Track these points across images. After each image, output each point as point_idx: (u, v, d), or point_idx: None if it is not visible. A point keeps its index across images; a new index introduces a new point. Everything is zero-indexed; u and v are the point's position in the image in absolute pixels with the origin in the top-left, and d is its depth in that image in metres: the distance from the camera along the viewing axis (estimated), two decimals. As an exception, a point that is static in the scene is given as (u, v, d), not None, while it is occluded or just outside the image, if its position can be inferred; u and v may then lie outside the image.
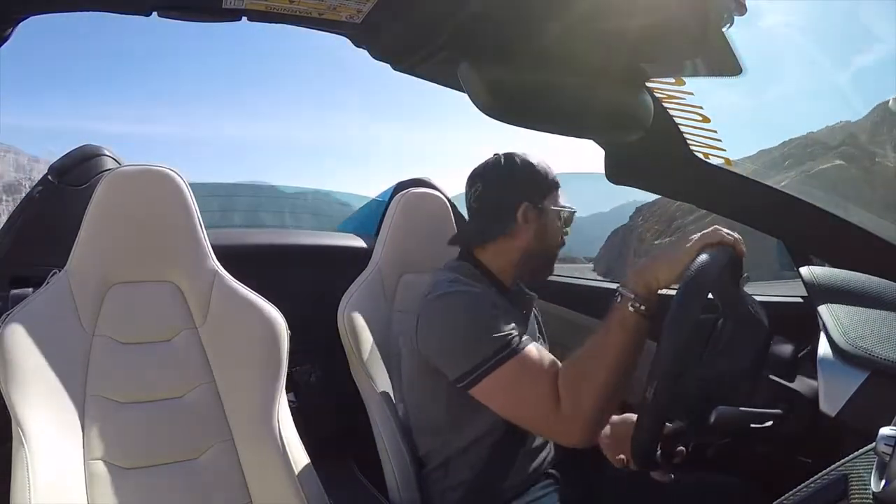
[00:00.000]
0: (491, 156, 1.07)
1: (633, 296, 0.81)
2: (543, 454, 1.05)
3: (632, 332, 0.81)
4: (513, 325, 0.90)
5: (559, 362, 0.89)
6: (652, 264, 0.82)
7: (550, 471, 1.05)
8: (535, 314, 1.15)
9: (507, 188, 1.03)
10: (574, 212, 1.05)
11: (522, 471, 1.00)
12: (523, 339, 0.89)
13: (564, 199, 1.06)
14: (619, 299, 0.82)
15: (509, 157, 1.05)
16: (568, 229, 1.05)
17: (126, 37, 29.92)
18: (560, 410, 0.84)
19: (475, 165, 1.07)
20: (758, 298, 0.90)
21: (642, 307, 0.80)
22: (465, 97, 0.73)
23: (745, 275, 0.92)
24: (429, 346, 0.95)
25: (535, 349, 0.89)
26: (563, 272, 1.48)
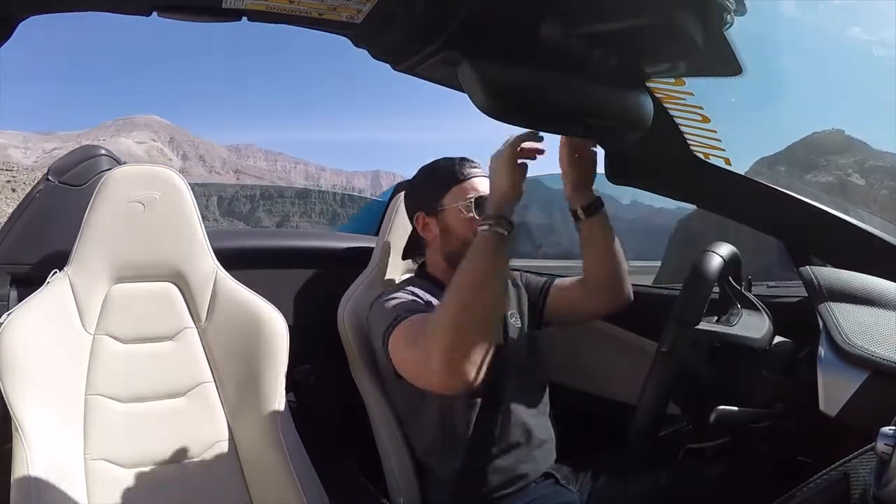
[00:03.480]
0: None
1: (481, 219, 0.87)
2: (539, 453, 1.05)
3: (487, 250, 0.84)
4: (418, 308, 0.96)
5: None
6: (495, 184, 0.89)
7: (551, 471, 1.05)
8: (518, 294, 1.17)
9: (408, 205, 1.14)
10: (481, 195, 1.04)
11: (511, 469, 1.01)
12: (416, 312, 0.94)
13: (483, 182, 1.06)
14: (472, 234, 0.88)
15: (418, 171, 1.14)
16: (477, 212, 1.04)
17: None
18: (416, 345, 0.87)
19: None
20: (758, 298, 0.90)
21: (496, 218, 0.85)
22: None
23: (749, 277, 0.93)
24: (372, 333, 1.02)
25: (422, 315, 0.93)
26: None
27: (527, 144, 0.89)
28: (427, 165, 1.13)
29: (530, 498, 1.00)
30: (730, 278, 0.90)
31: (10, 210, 1.17)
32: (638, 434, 0.80)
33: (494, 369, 0.98)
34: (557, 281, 1.18)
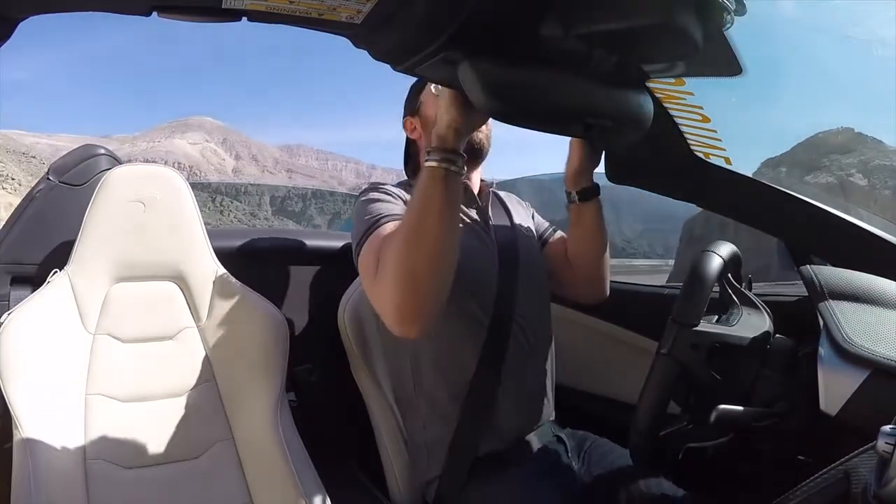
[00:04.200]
0: None
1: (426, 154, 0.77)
2: (534, 404, 1.02)
3: (432, 185, 0.76)
4: (394, 211, 0.91)
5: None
6: (437, 120, 0.78)
7: (551, 429, 1.03)
8: (502, 205, 1.14)
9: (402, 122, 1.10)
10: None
11: (506, 424, 0.97)
12: (389, 218, 0.89)
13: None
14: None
15: None
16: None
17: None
18: (375, 277, 0.82)
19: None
20: (759, 297, 0.90)
21: (439, 152, 0.76)
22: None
23: (749, 276, 0.93)
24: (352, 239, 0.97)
25: (392, 226, 0.87)
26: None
27: None
28: None
29: (526, 449, 0.98)
30: (730, 277, 0.90)
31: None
32: (638, 434, 0.80)
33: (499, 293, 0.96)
34: (558, 234, 1.16)
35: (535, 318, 1.03)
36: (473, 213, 1.06)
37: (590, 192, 1.03)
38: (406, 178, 1.15)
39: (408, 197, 0.95)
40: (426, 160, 0.76)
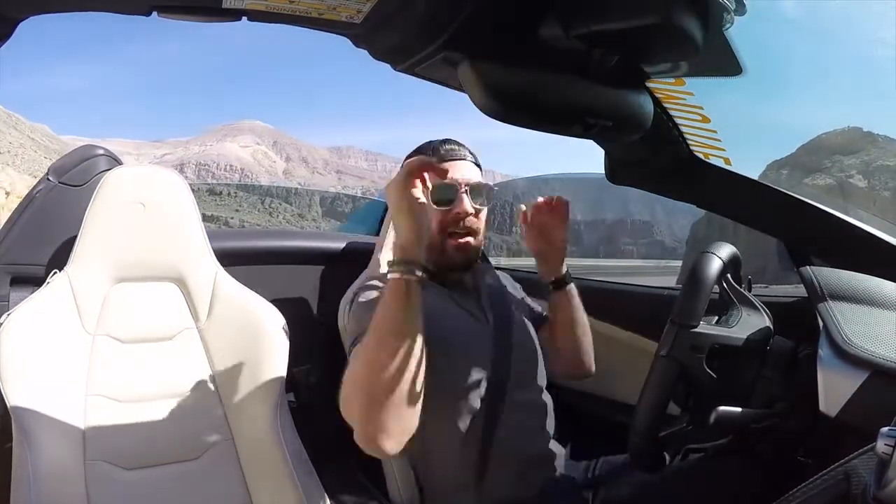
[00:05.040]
0: None
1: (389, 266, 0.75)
2: (537, 470, 1.01)
3: (387, 303, 0.74)
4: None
5: None
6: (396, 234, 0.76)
7: (557, 479, 1.04)
8: (497, 284, 1.13)
9: None
10: (444, 182, 0.95)
11: (510, 479, 0.97)
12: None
13: (451, 168, 0.98)
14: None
15: None
16: (444, 209, 0.96)
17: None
18: (346, 402, 0.79)
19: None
20: (758, 298, 0.90)
21: (400, 265, 0.74)
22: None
23: (749, 277, 0.93)
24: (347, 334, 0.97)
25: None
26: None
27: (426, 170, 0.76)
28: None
29: (534, 493, 0.99)
30: (730, 278, 0.89)
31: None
32: (637, 436, 0.80)
33: (492, 370, 0.97)
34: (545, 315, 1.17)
35: (529, 388, 1.04)
36: (470, 304, 1.06)
37: (562, 282, 1.06)
38: None
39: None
40: (388, 272, 0.75)
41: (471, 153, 1.04)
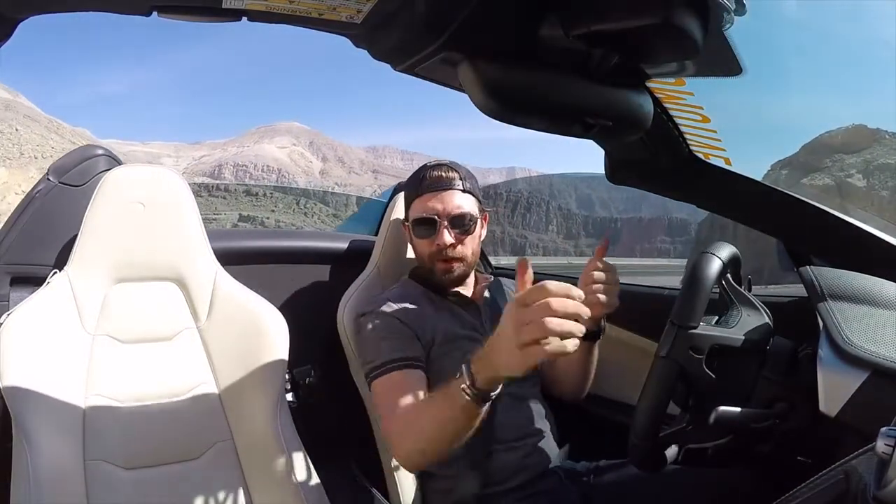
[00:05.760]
0: None
1: (468, 382, 0.75)
2: (540, 446, 1.04)
3: (459, 411, 0.77)
4: (398, 347, 0.98)
5: (421, 388, 0.94)
6: (495, 356, 0.72)
7: (554, 467, 1.05)
8: (498, 296, 1.16)
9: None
10: (422, 216, 1.04)
11: (510, 464, 1.00)
12: (398, 363, 0.96)
13: (433, 199, 1.04)
14: (459, 375, 0.77)
15: None
16: (427, 239, 1.05)
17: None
18: (392, 434, 0.91)
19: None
20: (758, 298, 0.90)
21: (477, 395, 0.75)
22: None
23: (749, 277, 0.93)
24: (358, 354, 1.08)
25: (402, 376, 0.95)
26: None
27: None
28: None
29: (529, 492, 1.00)
30: (729, 278, 0.90)
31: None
32: (637, 436, 0.80)
33: None
34: None
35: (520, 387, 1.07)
36: (470, 314, 1.09)
37: (594, 335, 1.04)
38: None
39: (408, 305, 1.04)
40: (466, 393, 0.75)
41: (461, 178, 1.06)
